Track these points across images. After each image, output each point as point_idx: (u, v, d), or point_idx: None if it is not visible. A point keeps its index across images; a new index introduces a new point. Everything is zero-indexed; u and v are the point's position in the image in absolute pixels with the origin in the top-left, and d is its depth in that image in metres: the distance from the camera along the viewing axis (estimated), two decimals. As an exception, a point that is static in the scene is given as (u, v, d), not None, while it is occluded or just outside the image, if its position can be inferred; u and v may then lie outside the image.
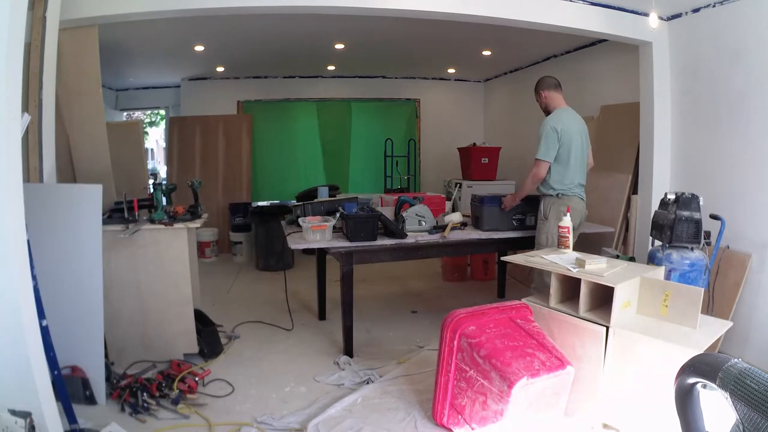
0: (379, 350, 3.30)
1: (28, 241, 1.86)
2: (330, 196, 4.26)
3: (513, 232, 3.45)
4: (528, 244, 3.40)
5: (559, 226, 2.72)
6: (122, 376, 2.71)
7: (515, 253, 2.93)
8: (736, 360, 0.85)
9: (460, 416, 2.23)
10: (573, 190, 3.15)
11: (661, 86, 3.66)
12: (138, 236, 2.87)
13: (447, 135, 7.29)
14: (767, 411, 0.76)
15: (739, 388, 0.80)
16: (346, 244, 3.10)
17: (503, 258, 2.89)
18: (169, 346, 2.99)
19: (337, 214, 3.31)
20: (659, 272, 2.48)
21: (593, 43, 4.80)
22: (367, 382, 2.80)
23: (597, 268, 2.34)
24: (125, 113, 8.00)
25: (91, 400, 2.49)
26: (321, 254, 3.90)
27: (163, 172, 9.14)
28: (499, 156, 6.02)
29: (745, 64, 3.09)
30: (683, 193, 2.71)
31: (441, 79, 7.41)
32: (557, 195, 3.14)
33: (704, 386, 0.92)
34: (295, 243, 3.11)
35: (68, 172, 3.32)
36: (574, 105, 4.89)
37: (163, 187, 3.17)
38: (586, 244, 3.30)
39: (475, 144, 6.11)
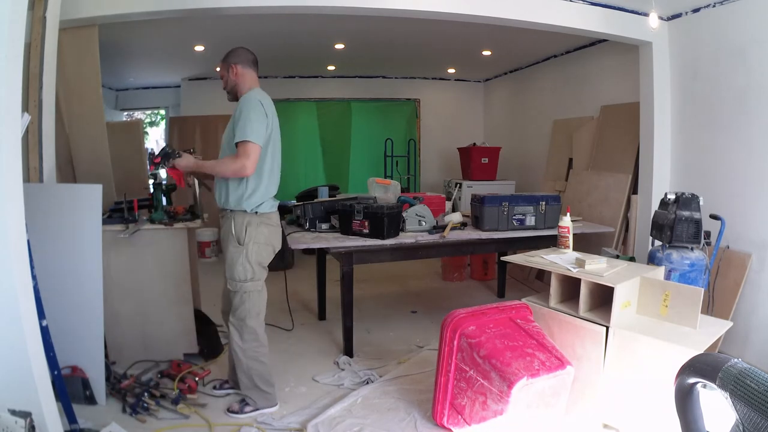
0: (379, 350, 3.29)
1: (28, 241, 1.86)
2: (330, 196, 4.26)
3: (513, 232, 3.44)
4: (528, 244, 3.40)
5: (559, 226, 2.72)
6: (122, 376, 2.71)
7: (515, 253, 2.93)
8: (736, 360, 0.85)
9: (460, 416, 2.23)
10: (273, 203, 2.46)
11: (661, 86, 3.66)
12: (138, 236, 2.87)
13: (447, 135, 7.28)
14: (767, 411, 0.76)
15: (739, 388, 0.80)
16: (347, 243, 3.10)
17: (503, 258, 2.88)
18: (169, 346, 2.99)
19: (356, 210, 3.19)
20: (659, 272, 2.48)
21: (593, 43, 4.80)
22: (367, 382, 2.80)
23: (597, 268, 2.35)
24: (125, 113, 7.99)
25: (91, 400, 2.49)
26: (321, 254, 3.89)
27: (163, 172, 9.11)
28: (499, 156, 6.02)
29: (745, 64, 3.09)
30: (683, 193, 2.72)
31: (441, 79, 7.41)
32: (255, 212, 2.37)
33: (704, 386, 0.92)
34: (295, 243, 3.11)
35: (68, 172, 3.32)
36: (574, 105, 4.83)
37: (163, 187, 3.17)
38: (586, 244, 3.30)
39: (475, 144, 6.11)
